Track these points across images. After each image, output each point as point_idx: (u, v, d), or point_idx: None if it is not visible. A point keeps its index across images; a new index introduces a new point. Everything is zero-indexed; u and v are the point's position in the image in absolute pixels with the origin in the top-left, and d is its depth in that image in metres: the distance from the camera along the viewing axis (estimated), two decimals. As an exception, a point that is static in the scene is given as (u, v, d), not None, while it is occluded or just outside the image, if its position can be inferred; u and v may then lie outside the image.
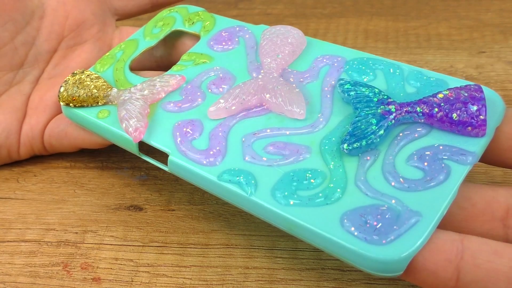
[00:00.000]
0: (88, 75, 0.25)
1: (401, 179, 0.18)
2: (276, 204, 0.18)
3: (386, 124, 0.19)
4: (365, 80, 0.22)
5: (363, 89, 0.21)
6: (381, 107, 0.20)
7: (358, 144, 0.19)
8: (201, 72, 0.25)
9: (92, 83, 0.25)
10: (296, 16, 0.40)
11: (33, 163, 0.29)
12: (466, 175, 0.18)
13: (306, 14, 0.40)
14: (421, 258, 0.16)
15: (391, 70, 0.22)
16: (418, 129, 0.19)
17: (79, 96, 0.25)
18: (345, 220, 0.17)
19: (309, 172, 0.19)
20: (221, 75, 0.24)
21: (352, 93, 0.21)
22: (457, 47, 0.34)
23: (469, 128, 0.18)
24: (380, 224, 0.17)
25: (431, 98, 0.19)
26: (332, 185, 0.19)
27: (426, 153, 0.18)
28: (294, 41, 0.24)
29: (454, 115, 0.18)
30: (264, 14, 0.40)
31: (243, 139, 0.21)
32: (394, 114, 0.19)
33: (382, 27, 0.37)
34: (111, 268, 0.23)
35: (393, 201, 0.17)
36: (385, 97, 0.20)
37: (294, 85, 0.23)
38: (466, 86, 0.19)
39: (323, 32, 0.37)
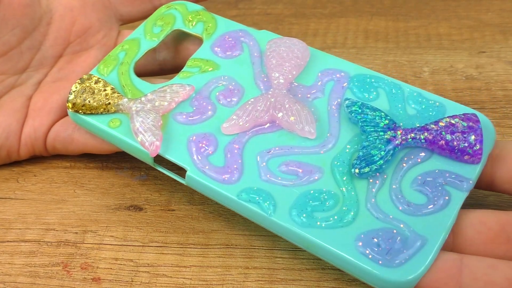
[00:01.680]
0: (96, 81, 0.25)
1: (407, 204, 0.20)
2: (294, 225, 0.20)
3: (392, 150, 0.21)
4: (370, 97, 0.23)
5: (370, 113, 0.22)
6: (388, 132, 0.21)
7: (368, 169, 0.20)
8: (208, 81, 0.25)
9: (102, 91, 0.25)
10: (296, 16, 0.40)
11: (33, 163, 0.29)
12: (463, 201, 0.20)
13: (306, 14, 0.40)
14: (427, 277, 0.18)
15: (393, 91, 0.23)
16: (420, 154, 0.21)
17: (89, 103, 0.25)
18: (360, 243, 0.19)
19: (324, 194, 0.20)
20: (230, 86, 0.25)
21: (359, 116, 0.22)
22: (457, 47, 0.34)
23: (467, 156, 0.20)
24: (391, 248, 0.19)
25: (433, 125, 0.21)
26: (345, 208, 0.20)
27: (428, 179, 0.20)
28: (299, 54, 0.24)
29: (454, 143, 0.20)
30: (264, 14, 0.40)
31: (258, 157, 0.22)
32: (399, 140, 0.21)
33: (382, 27, 0.37)
34: (111, 268, 0.23)
35: (402, 225, 0.19)
36: (391, 122, 0.21)
37: (303, 103, 0.23)
38: (464, 114, 0.21)
39: (323, 32, 0.37)
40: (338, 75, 0.24)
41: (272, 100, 0.23)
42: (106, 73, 0.26)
